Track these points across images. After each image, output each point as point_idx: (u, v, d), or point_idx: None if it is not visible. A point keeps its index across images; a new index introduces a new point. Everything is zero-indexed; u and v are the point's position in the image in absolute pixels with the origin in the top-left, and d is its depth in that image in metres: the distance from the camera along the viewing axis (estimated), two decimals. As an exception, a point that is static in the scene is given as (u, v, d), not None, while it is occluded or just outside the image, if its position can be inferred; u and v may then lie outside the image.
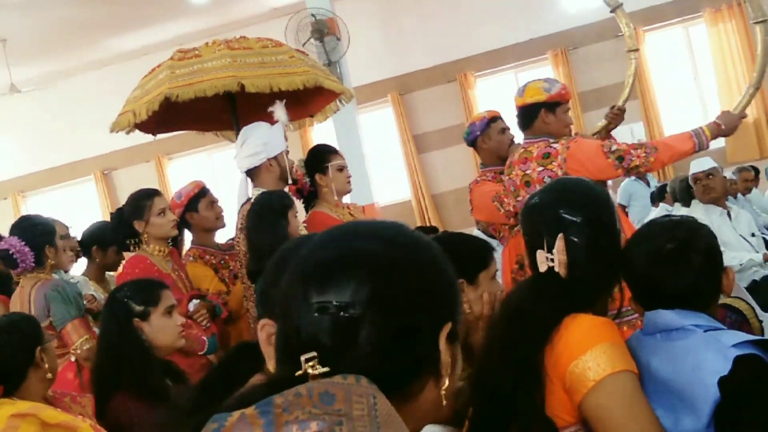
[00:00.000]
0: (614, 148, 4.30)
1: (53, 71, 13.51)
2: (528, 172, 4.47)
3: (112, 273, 5.60)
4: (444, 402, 1.26)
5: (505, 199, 4.78)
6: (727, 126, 4.52)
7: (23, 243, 4.52)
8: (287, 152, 4.93)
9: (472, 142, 5.51)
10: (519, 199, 4.56)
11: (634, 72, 5.39)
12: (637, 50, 5.44)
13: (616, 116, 5.09)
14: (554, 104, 4.53)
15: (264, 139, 4.81)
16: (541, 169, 4.40)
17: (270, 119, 4.97)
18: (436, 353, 1.24)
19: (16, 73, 12.02)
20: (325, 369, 1.14)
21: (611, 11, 5.45)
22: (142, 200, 4.71)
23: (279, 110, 4.88)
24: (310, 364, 1.14)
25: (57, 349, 4.38)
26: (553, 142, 4.45)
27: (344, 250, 1.27)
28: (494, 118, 5.40)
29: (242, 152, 4.89)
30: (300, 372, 1.15)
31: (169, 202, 4.91)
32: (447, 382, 1.25)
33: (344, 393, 1.09)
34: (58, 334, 4.43)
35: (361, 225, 1.36)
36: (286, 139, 4.94)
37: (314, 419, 1.03)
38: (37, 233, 4.59)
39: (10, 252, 4.50)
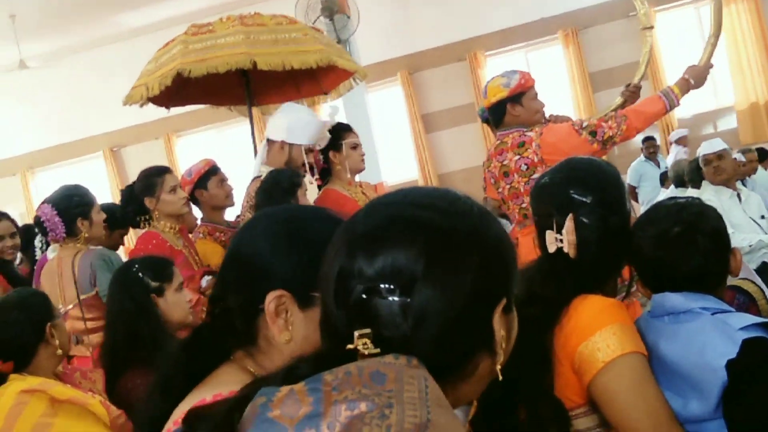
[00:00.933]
0: (585, 124, 4.37)
1: (63, 47, 13.49)
2: (505, 162, 4.52)
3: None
4: (500, 377, 1.22)
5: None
6: (696, 79, 4.60)
7: (56, 212, 4.49)
8: (310, 150, 4.92)
9: (487, 119, 5.51)
10: (499, 190, 4.62)
11: (649, 50, 5.37)
12: (651, 28, 5.42)
13: (633, 94, 5.08)
14: (518, 96, 4.56)
15: (291, 123, 4.81)
16: (517, 158, 4.45)
17: (283, 96, 4.98)
18: (491, 331, 1.19)
19: (26, 49, 12.02)
20: (377, 350, 1.10)
21: (626, -12, 5.44)
22: (153, 177, 4.70)
23: (330, 115, 4.93)
24: (363, 341, 1.11)
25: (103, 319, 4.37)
26: (526, 131, 4.50)
27: (396, 218, 1.18)
28: None
29: (271, 120, 4.92)
30: (351, 346, 1.11)
31: (179, 180, 4.91)
32: (502, 357, 1.21)
33: (396, 373, 1.04)
34: (104, 304, 4.40)
35: (412, 192, 1.25)
36: (320, 141, 4.94)
37: (363, 400, 1.00)
38: (72, 204, 4.52)
39: (41, 219, 4.49)
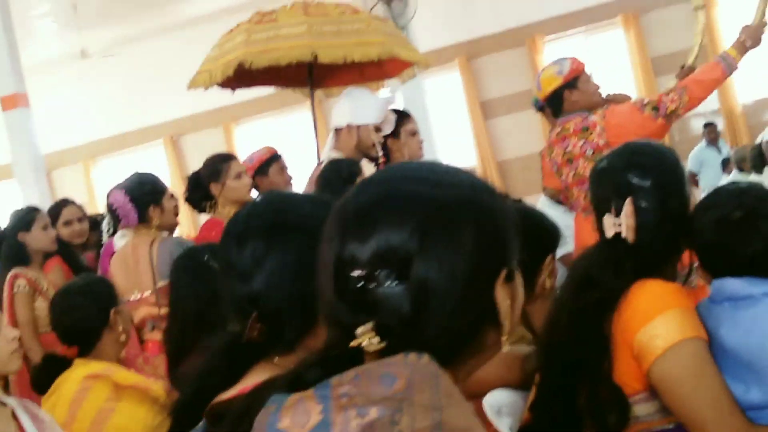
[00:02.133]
0: (646, 101, 4.33)
1: (123, 36, 13.60)
2: (568, 149, 4.48)
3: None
4: (504, 347, 1.20)
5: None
6: (752, 39, 4.57)
7: (129, 199, 4.51)
8: (377, 129, 4.91)
9: (541, 108, 5.47)
10: (563, 178, 4.57)
11: (702, 30, 5.31)
12: (704, 7, 5.35)
13: (687, 76, 5.03)
14: (573, 81, 4.55)
15: (355, 104, 4.83)
16: (582, 142, 4.41)
17: (346, 79, 4.99)
18: (495, 303, 1.15)
19: (87, 38, 12.17)
20: (382, 345, 1.08)
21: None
22: (220, 163, 4.75)
23: (389, 98, 4.98)
24: (367, 337, 1.08)
25: None
26: (588, 115, 4.45)
27: (389, 193, 1.16)
28: None
29: (335, 109, 4.96)
30: (355, 343, 1.09)
31: (244, 167, 4.95)
32: (507, 327, 1.17)
33: (406, 375, 1.02)
34: None
35: (402, 167, 1.24)
36: (386, 120, 4.95)
37: (373, 405, 0.99)
38: (145, 191, 4.56)
39: (114, 206, 4.55)
